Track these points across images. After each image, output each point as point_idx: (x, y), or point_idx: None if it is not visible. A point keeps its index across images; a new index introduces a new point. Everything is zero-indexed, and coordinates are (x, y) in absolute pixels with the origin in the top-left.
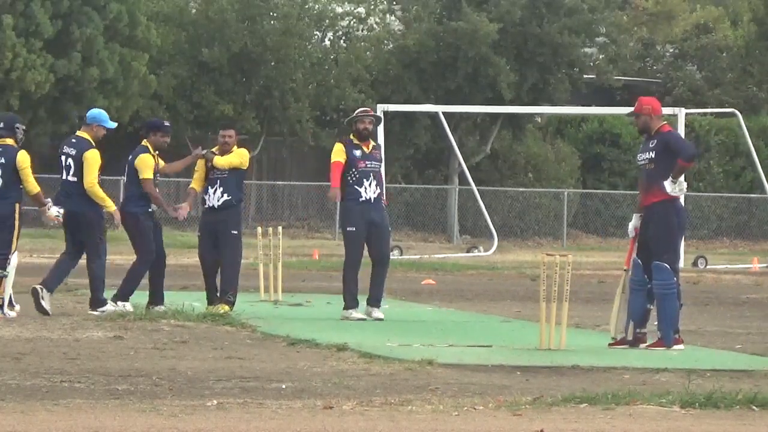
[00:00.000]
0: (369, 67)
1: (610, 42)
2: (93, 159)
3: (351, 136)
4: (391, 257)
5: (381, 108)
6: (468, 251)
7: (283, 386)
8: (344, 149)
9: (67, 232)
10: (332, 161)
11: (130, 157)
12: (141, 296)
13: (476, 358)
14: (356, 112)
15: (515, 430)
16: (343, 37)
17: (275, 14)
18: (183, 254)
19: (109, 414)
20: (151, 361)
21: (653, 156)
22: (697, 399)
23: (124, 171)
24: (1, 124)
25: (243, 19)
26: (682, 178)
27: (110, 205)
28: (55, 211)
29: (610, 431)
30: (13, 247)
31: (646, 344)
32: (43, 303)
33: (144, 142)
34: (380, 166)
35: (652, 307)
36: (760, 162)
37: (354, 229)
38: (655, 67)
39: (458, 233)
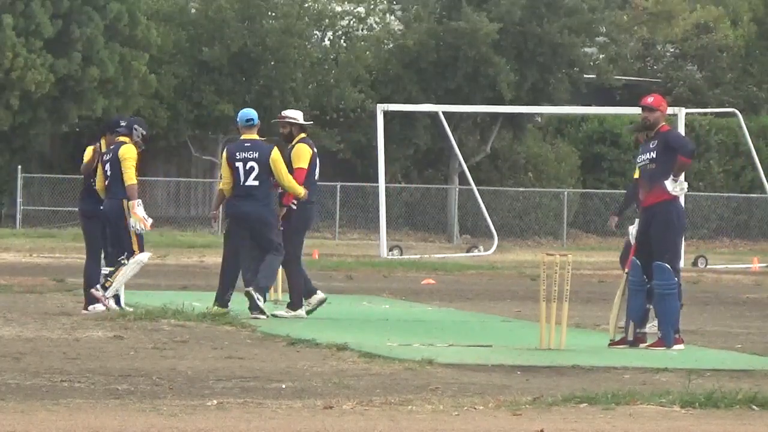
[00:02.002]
0: (369, 67)
1: (611, 42)
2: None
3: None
4: (391, 257)
5: (381, 108)
6: (468, 251)
7: (283, 386)
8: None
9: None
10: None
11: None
12: (141, 296)
13: (476, 358)
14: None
15: (515, 430)
16: (343, 37)
17: (275, 14)
18: (183, 254)
19: (109, 414)
20: (151, 361)
21: (654, 156)
22: (697, 399)
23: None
24: (123, 122)
25: (243, 18)
26: (682, 177)
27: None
28: (142, 212)
29: (610, 431)
30: (134, 245)
31: (646, 344)
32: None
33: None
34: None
35: (651, 307)
36: (760, 162)
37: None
38: (655, 67)
39: (458, 233)
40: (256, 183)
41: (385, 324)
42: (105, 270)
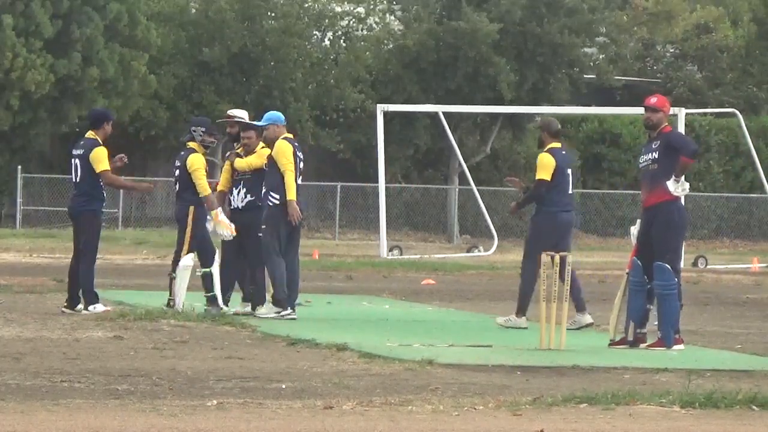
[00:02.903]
0: (369, 67)
1: (611, 42)
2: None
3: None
4: (391, 257)
5: (381, 108)
6: (468, 251)
7: (283, 386)
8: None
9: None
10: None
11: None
12: (141, 296)
13: (476, 358)
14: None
15: (515, 430)
16: (343, 37)
17: (275, 14)
18: None
19: (109, 414)
20: (151, 361)
21: (656, 156)
22: (697, 399)
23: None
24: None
25: (243, 18)
26: (683, 178)
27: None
28: (226, 219)
29: (610, 431)
30: (185, 249)
31: (646, 344)
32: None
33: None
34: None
35: (651, 307)
36: (760, 162)
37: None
38: (655, 67)
39: (458, 233)
40: None
41: (385, 324)
42: (200, 271)
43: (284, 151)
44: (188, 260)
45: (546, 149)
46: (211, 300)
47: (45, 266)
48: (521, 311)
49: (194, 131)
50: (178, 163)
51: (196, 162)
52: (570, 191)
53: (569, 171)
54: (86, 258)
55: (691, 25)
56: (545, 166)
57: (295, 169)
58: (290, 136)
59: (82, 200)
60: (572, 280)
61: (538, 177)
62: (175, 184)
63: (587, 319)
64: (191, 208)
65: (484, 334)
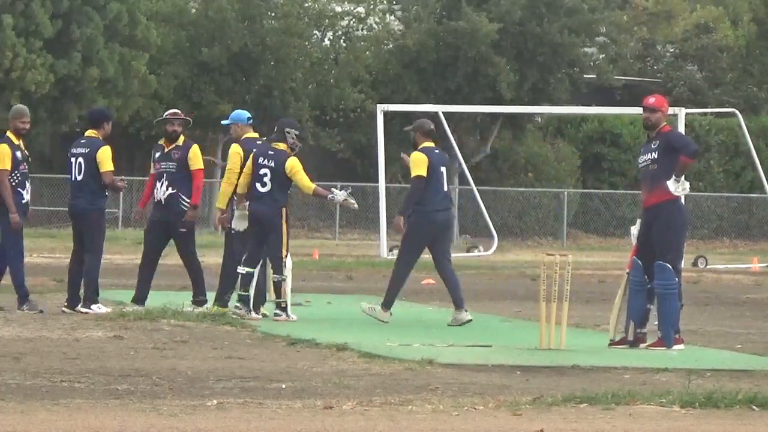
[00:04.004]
0: (369, 67)
1: (611, 42)
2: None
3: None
4: (392, 257)
5: (381, 108)
6: (468, 251)
7: (283, 386)
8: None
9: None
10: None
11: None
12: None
13: (476, 358)
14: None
15: (515, 430)
16: (343, 37)
17: (275, 14)
18: None
19: (109, 414)
20: (151, 361)
21: (656, 156)
22: (697, 399)
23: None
24: (276, 127)
25: (243, 18)
26: (683, 177)
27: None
28: (342, 196)
29: (610, 431)
30: (284, 249)
31: (646, 344)
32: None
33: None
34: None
35: (652, 306)
36: (760, 162)
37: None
38: (655, 67)
39: (458, 233)
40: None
41: (385, 324)
42: (242, 270)
43: (230, 155)
44: (289, 261)
45: (419, 149)
46: (244, 300)
47: (45, 266)
48: (387, 305)
49: (288, 132)
50: (272, 164)
51: (294, 165)
52: (445, 190)
53: (443, 170)
54: (93, 256)
55: (691, 24)
56: (418, 162)
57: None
58: (254, 135)
59: (86, 199)
60: (449, 276)
61: (413, 175)
62: (263, 185)
63: (465, 316)
64: (284, 210)
65: (484, 334)
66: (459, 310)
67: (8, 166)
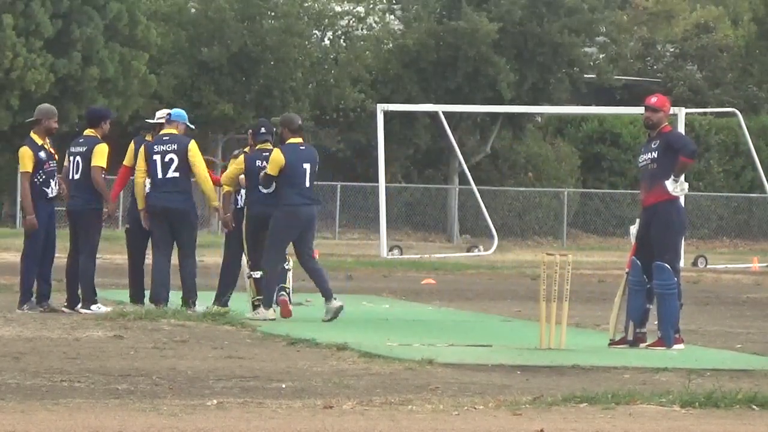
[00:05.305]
0: (369, 66)
1: (611, 42)
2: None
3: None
4: (391, 257)
5: (381, 108)
6: (468, 251)
7: (283, 386)
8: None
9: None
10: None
11: (85, 148)
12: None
13: (476, 357)
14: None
15: (515, 429)
16: (343, 37)
17: (275, 13)
18: None
19: (109, 414)
20: (151, 360)
21: (656, 156)
22: (697, 399)
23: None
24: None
25: (242, 18)
26: (682, 177)
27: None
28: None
29: (610, 431)
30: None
31: (646, 344)
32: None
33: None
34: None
35: (651, 306)
36: (760, 162)
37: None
38: (655, 67)
39: (458, 233)
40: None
41: (385, 324)
42: (256, 274)
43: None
44: (289, 261)
45: (281, 146)
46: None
47: None
48: (268, 304)
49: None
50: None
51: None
52: (307, 185)
53: (306, 166)
54: (87, 255)
55: (691, 24)
56: (273, 161)
57: (149, 168)
58: (170, 132)
59: (83, 198)
60: (314, 268)
61: (266, 171)
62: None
63: (336, 304)
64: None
65: (484, 333)
66: (329, 300)
67: (29, 168)
